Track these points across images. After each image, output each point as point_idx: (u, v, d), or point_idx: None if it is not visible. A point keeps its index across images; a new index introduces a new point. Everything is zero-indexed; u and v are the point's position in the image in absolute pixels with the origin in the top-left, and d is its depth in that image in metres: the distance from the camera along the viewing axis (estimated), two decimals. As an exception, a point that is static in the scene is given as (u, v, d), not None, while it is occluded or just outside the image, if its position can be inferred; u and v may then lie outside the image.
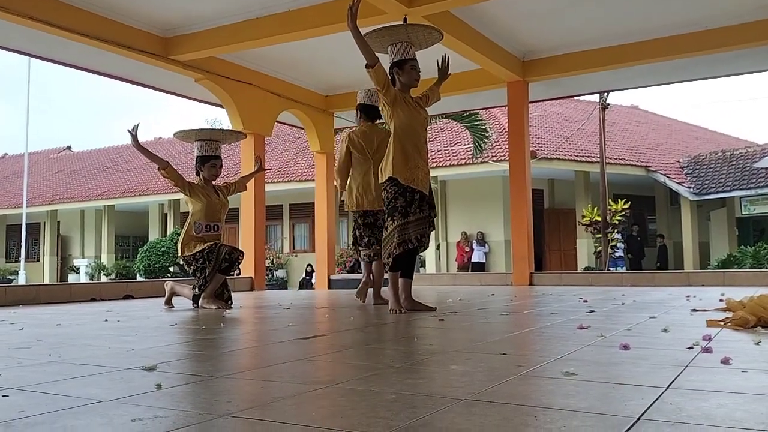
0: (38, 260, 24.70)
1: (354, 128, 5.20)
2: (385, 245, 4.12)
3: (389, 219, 4.07)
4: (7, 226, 25.57)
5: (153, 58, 7.22)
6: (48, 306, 5.56)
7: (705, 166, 17.45)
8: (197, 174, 5.06)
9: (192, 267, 4.90)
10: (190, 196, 4.94)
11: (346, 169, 5.02)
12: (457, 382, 1.74)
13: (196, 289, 4.88)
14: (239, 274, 8.39)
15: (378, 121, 5.16)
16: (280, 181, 18.19)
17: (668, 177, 17.06)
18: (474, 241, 16.96)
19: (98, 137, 70.02)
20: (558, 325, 3.20)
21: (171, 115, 75.76)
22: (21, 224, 22.53)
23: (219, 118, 35.09)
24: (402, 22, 4.84)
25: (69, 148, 30.90)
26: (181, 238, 4.99)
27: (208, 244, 4.85)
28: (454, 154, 16.91)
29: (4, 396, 1.63)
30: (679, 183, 16.85)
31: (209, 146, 5.01)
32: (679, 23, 7.33)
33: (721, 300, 4.48)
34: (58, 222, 24.66)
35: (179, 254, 5.00)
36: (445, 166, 16.46)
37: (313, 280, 11.25)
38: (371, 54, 3.97)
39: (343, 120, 10.69)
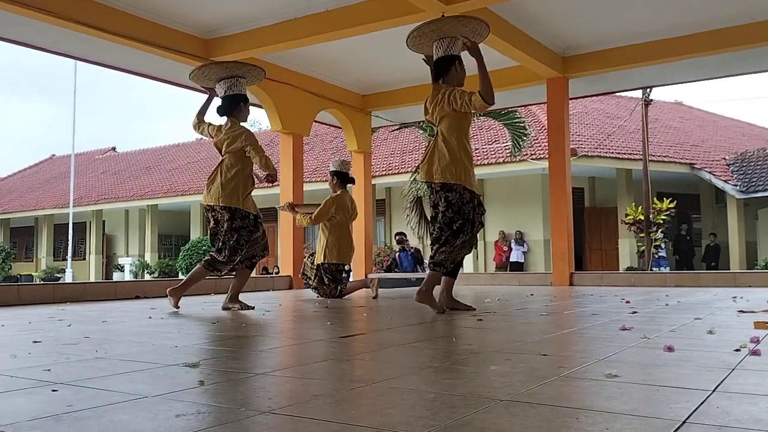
0: (84, 259, 25.39)
1: (338, 194, 6.05)
2: (451, 251, 3.99)
3: (463, 222, 3.97)
4: (55, 225, 26.35)
5: (194, 59, 7.33)
6: (94, 303, 5.71)
7: (752, 163, 16.94)
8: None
9: (244, 228, 4.47)
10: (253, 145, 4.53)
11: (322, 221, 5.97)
12: (497, 382, 1.73)
13: (222, 256, 4.45)
14: (278, 272, 8.47)
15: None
16: (317, 181, 18.31)
17: (714, 174, 16.62)
18: (512, 241, 16.80)
19: (142, 138, 71.66)
20: (600, 326, 3.15)
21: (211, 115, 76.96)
22: (68, 223, 23.19)
23: (258, 118, 35.52)
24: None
25: (114, 149, 31.67)
26: (239, 186, 4.47)
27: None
28: (492, 153, 16.79)
29: (53, 390, 1.68)
30: (725, 181, 16.40)
31: (235, 84, 4.71)
32: (724, 16, 7.13)
33: (769, 301, 4.35)
34: (104, 221, 25.32)
35: (234, 204, 4.45)
36: (484, 164, 16.34)
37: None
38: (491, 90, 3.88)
39: (380, 119, 10.71)
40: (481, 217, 4.08)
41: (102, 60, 7.60)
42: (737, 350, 2.22)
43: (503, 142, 16.22)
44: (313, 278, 6.08)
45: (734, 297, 5.09)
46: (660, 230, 14.29)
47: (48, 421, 1.35)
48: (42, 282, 19.06)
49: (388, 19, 6.34)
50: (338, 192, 6.08)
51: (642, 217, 14.18)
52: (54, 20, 5.99)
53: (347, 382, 1.79)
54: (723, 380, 1.71)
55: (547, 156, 9.09)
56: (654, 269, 13.85)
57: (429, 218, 4.20)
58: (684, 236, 16.66)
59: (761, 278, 7.63)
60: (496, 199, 17.53)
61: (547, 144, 9.09)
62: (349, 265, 6.24)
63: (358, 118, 9.98)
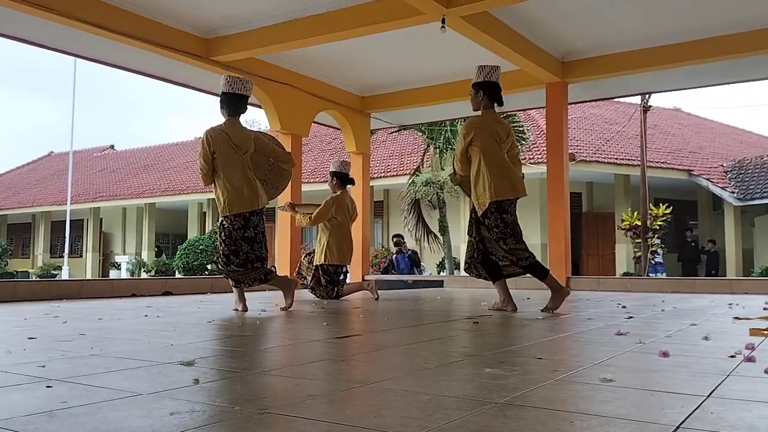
0: (81, 256, 25.34)
1: (338, 195, 6.04)
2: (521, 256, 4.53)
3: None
4: (52, 222, 26.28)
5: (194, 59, 7.34)
6: (90, 301, 5.70)
7: (750, 171, 16.98)
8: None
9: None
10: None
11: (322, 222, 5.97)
12: (492, 385, 1.73)
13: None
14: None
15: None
16: (316, 182, 18.31)
17: (711, 181, 16.66)
18: (510, 244, 16.79)
19: (140, 136, 71.60)
20: (595, 331, 3.15)
21: (209, 115, 76.91)
22: (65, 221, 23.14)
23: (257, 118, 35.50)
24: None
25: (112, 146, 31.62)
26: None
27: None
28: (491, 156, 16.76)
29: (48, 387, 1.68)
30: (722, 188, 16.44)
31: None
32: (724, 23, 7.14)
33: (765, 308, 4.37)
34: (101, 219, 25.28)
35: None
36: (482, 168, 16.31)
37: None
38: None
39: (379, 121, 10.71)
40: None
41: (102, 57, 7.59)
42: (732, 356, 2.22)
43: (502, 146, 16.22)
44: (310, 279, 6.06)
45: (730, 304, 5.10)
46: (656, 236, 14.31)
47: (42, 418, 1.35)
48: (38, 279, 19.01)
49: (388, 21, 6.35)
50: (338, 192, 6.07)
51: (638, 223, 14.20)
52: (54, 17, 5.98)
53: (342, 383, 1.79)
54: (718, 386, 1.71)
55: (545, 160, 9.10)
56: (650, 275, 13.87)
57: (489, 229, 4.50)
58: (689, 243, 16.65)
59: (757, 285, 7.65)
60: (494, 202, 17.52)
61: (545, 148, 9.10)
62: (348, 266, 6.23)
63: (357, 120, 9.99)
